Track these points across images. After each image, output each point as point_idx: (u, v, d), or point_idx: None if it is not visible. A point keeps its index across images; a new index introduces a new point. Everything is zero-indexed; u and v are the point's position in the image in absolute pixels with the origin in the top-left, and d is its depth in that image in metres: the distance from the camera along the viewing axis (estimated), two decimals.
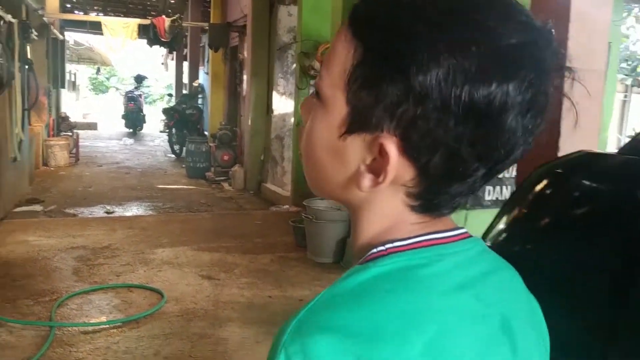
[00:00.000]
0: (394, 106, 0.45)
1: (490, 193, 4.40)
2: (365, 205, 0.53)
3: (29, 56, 5.93)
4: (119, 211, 6.58)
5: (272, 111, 7.78)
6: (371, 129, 0.47)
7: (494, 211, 1.40)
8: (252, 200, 7.57)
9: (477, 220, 3.04)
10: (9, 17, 4.42)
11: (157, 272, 4.30)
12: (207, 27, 10.98)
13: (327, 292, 0.48)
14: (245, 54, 8.80)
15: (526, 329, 0.54)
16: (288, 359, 0.44)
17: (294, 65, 7.52)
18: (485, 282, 0.52)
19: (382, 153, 0.47)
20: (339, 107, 0.49)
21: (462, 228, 0.54)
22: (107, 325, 3.37)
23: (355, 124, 0.48)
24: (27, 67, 5.99)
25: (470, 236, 0.54)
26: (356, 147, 0.49)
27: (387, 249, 0.50)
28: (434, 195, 0.50)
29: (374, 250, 0.51)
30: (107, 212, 6.43)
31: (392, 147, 0.46)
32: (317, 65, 6.42)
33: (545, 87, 0.47)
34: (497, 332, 0.50)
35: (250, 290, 4.02)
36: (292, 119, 7.27)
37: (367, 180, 0.49)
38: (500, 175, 3.89)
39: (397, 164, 0.47)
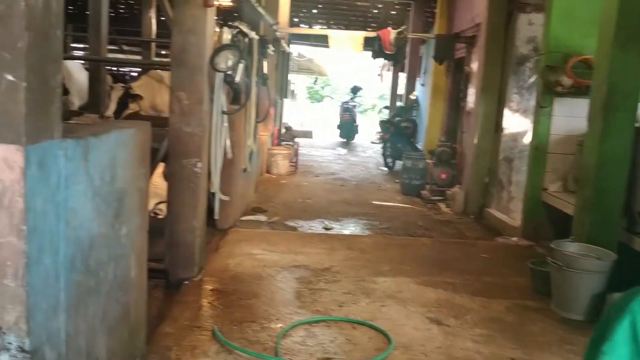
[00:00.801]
0: None
1: None
2: None
3: (265, 71, 6.09)
4: (336, 228, 6.46)
5: (501, 130, 7.03)
6: None
7: None
8: (473, 226, 6.91)
9: None
10: (252, 34, 4.46)
11: (380, 307, 3.95)
12: (429, 39, 10.58)
13: None
14: (474, 66, 8.16)
15: None
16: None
17: (533, 79, 6.69)
18: None
19: None
20: None
21: None
22: None
23: None
24: (262, 81, 6.16)
25: None
26: None
27: None
28: None
29: None
30: (326, 228, 6.35)
31: None
32: (565, 80, 5.55)
33: None
34: None
35: (488, 347, 3.43)
36: (527, 139, 6.45)
37: None
38: None
39: None
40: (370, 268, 4.83)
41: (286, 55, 11.28)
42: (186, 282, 4.18)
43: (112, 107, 8.69)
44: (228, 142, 4.63)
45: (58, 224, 1.82)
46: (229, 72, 4.35)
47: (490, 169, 7.22)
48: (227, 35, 4.33)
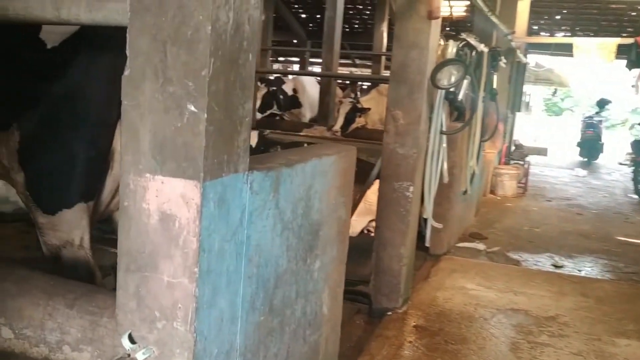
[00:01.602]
0: None
1: None
2: None
3: (494, 85, 5.56)
4: (568, 266, 5.58)
5: None
6: None
7: None
8: None
9: None
10: (481, 47, 4.02)
11: None
12: None
13: None
14: None
15: None
16: None
17: None
18: None
19: None
20: None
21: None
22: None
23: None
24: (490, 96, 5.64)
25: None
26: None
27: None
28: None
29: None
30: (555, 266, 5.53)
31: None
32: None
33: None
34: None
35: None
36: None
37: None
38: None
39: None
40: (609, 324, 4.00)
41: (521, 66, 10.38)
42: (389, 313, 3.92)
43: (340, 121, 8.94)
44: (445, 166, 4.25)
45: (238, 263, 1.68)
46: (452, 89, 3.97)
47: None
48: (452, 49, 3.96)
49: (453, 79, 3.93)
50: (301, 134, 8.64)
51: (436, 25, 3.82)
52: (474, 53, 4.03)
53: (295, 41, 18.17)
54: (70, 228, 2.29)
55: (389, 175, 3.95)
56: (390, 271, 3.99)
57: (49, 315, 1.82)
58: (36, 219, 2.30)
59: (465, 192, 5.90)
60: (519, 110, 11.56)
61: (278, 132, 8.22)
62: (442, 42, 4.12)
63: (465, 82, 4.00)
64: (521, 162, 10.24)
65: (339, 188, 2.45)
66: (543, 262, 5.66)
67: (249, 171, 1.68)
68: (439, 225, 4.43)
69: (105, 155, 2.30)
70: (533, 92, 22.14)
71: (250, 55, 1.59)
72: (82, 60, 2.16)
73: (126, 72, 1.49)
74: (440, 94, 3.99)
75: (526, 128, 19.35)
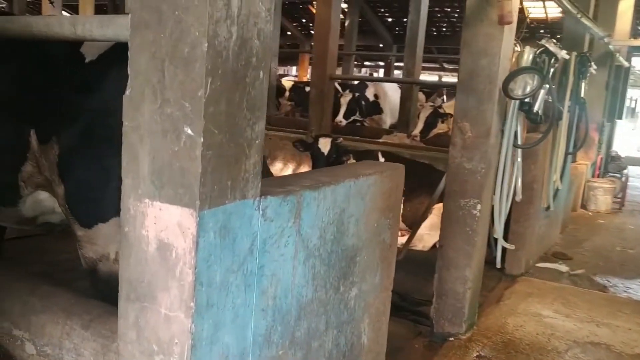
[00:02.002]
0: None
1: None
2: None
3: (582, 94, 5.10)
4: None
5: None
6: None
7: None
8: None
9: None
10: (562, 53, 3.66)
11: None
12: None
13: None
14: None
15: None
16: None
17: None
18: None
19: None
20: None
21: None
22: None
23: None
24: (579, 106, 5.19)
25: None
26: None
27: None
28: None
29: None
30: None
31: None
32: None
33: None
34: None
35: None
36: None
37: None
38: None
39: None
40: None
41: (622, 71, 9.55)
42: (451, 339, 3.66)
43: (419, 126, 8.67)
44: (519, 182, 3.92)
45: (248, 295, 1.56)
46: (527, 100, 3.65)
47: None
48: (527, 56, 3.64)
49: (528, 89, 3.61)
50: (380, 140, 8.47)
51: (509, 31, 3.52)
52: (552, 60, 3.68)
53: (381, 45, 17.98)
54: (106, 242, 2.28)
55: (454, 192, 3.70)
56: (453, 294, 3.73)
57: (67, 334, 1.79)
58: (75, 232, 2.31)
59: (547, 208, 5.47)
60: (619, 118, 10.66)
61: (355, 138, 8.11)
62: (518, 49, 3.80)
63: (542, 92, 3.66)
64: (618, 175, 9.43)
65: (382, 210, 2.27)
66: (635, 289, 5.10)
67: (262, 197, 1.55)
68: (510, 247, 4.09)
69: None
70: None
71: (261, 73, 1.46)
72: (116, 74, 2.14)
73: (127, 92, 1.42)
74: (513, 105, 3.67)
75: (630, 137, 17.94)
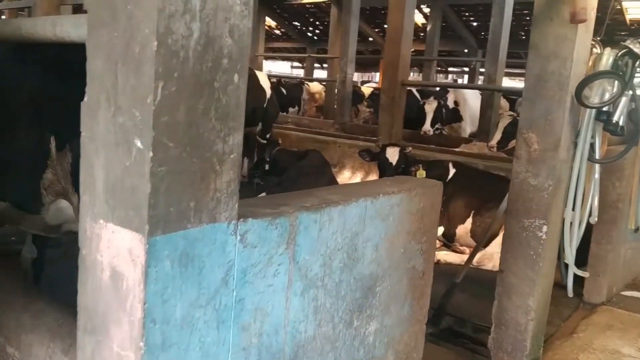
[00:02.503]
0: None
1: None
2: None
3: None
4: None
5: None
6: None
7: None
8: None
9: None
10: (637, 48, 3.18)
11: None
12: None
13: None
14: None
15: None
16: None
17: None
18: None
19: None
20: None
21: None
22: None
23: None
24: None
25: None
26: None
27: None
28: None
29: None
30: None
31: None
32: None
33: None
34: None
35: None
36: None
37: None
38: None
39: None
40: None
41: None
42: None
43: (497, 136, 8.16)
44: (595, 202, 3.46)
45: (221, 333, 1.35)
46: (604, 109, 3.20)
47: None
48: (607, 59, 3.19)
49: (607, 96, 3.16)
50: (453, 149, 8.05)
51: (584, 30, 3.10)
52: (638, 63, 3.21)
53: (466, 51, 17.34)
54: None
55: (517, 210, 3.31)
56: (514, 324, 3.34)
57: (50, 358, 1.67)
58: None
59: (637, 230, 4.87)
60: None
61: (426, 146, 7.74)
62: (598, 51, 3.35)
63: (624, 100, 3.20)
64: None
65: (411, 234, 1.99)
66: None
67: (240, 220, 1.34)
68: (584, 274, 3.63)
69: None
70: None
71: (235, 77, 1.26)
72: None
73: (85, 98, 1.26)
74: (589, 114, 3.24)
75: None
